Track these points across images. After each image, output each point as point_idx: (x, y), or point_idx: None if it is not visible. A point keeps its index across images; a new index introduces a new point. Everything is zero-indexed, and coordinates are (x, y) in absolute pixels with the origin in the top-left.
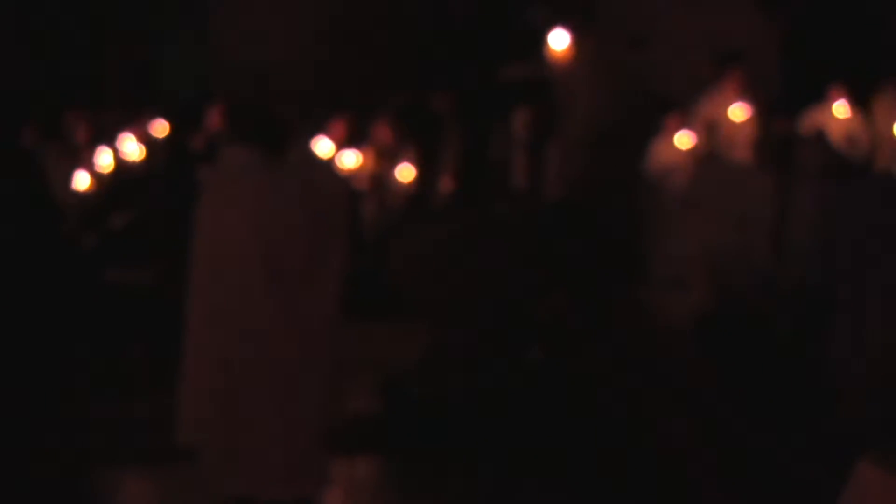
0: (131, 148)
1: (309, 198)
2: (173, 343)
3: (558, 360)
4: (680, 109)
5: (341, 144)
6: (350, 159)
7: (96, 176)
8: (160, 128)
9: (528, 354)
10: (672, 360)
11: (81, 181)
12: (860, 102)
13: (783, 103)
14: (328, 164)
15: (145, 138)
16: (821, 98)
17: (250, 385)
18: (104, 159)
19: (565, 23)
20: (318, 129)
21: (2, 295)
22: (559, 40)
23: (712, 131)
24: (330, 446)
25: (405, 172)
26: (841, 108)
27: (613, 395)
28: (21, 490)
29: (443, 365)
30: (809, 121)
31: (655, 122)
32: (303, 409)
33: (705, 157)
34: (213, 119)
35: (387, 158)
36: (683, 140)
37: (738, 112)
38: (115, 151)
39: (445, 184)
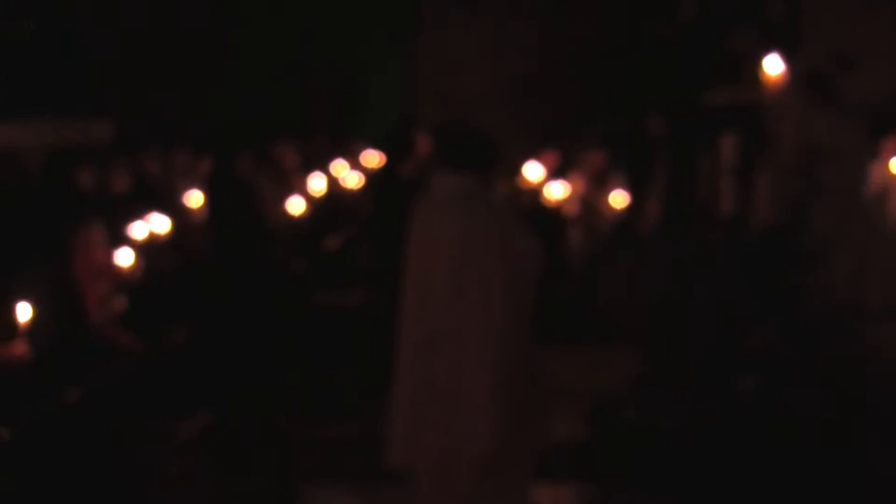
0: (346, 174)
1: (503, 244)
2: (382, 365)
3: (771, 391)
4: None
5: (551, 174)
6: (557, 189)
7: (309, 200)
8: (370, 157)
9: (740, 385)
10: (887, 395)
11: (295, 206)
12: None
13: None
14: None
15: (357, 166)
16: None
17: (457, 410)
18: (317, 184)
19: (773, 46)
20: (528, 156)
21: (222, 317)
22: (773, 65)
23: None
24: (536, 472)
25: (617, 199)
26: None
27: (825, 428)
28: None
29: (652, 393)
30: None
31: (869, 146)
32: (509, 434)
33: None
34: (422, 146)
35: (597, 184)
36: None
37: None
38: (328, 177)
39: (653, 210)
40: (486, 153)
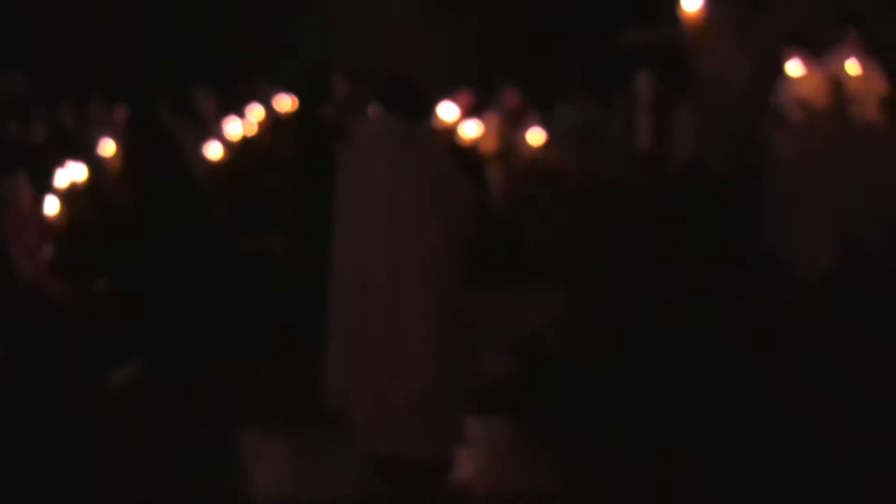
0: (253, 120)
1: (435, 186)
2: (309, 308)
3: (690, 323)
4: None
5: (466, 113)
6: (472, 129)
7: (227, 145)
8: (283, 101)
9: (659, 317)
10: (803, 322)
11: (213, 151)
12: None
13: None
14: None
15: (270, 111)
16: None
17: (392, 350)
18: (233, 128)
19: None
20: (443, 97)
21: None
22: (691, 2)
23: (837, 90)
24: (465, 407)
25: (535, 136)
26: None
27: (745, 358)
28: (169, 449)
29: (576, 328)
30: None
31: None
32: (442, 372)
33: (833, 116)
34: (340, 89)
35: (514, 123)
36: (796, 69)
37: (854, 67)
38: (244, 122)
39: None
40: (415, 96)
